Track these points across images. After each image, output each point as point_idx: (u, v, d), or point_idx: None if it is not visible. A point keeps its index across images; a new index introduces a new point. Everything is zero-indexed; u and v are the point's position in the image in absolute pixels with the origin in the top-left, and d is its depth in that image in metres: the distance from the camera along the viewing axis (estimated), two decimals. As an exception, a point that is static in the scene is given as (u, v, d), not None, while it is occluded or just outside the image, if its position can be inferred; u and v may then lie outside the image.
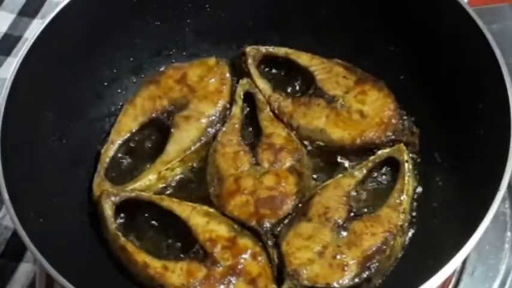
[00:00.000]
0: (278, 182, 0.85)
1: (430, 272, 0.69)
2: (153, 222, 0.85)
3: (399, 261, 0.82)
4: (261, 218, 0.83)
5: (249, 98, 0.94)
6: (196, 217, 0.82)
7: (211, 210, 0.84)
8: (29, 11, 1.20)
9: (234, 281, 0.78)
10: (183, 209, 0.83)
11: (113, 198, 0.84)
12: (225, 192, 0.86)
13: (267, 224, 0.83)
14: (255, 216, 0.83)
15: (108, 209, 0.83)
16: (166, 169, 0.88)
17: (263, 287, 0.79)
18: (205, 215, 0.83)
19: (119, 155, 0.91)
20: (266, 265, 0.80)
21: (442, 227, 0.80)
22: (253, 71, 0.95)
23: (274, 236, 0.82)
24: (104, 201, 0.84)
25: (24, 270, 0.94)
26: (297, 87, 0.96)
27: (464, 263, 0.86)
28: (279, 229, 0.83)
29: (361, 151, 0.88)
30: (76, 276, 0.69)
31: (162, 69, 0.97)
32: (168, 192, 0.88)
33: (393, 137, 0.88)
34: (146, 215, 0.85)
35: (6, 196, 0.73)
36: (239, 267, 0.79)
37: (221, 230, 0.82)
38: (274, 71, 0.98)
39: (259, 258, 0.80)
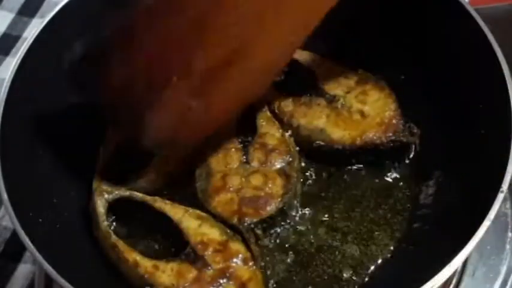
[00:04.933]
0: (265, 183, 0.85)
1: (431, 273, 0.69)
2: (146, 222, 0.85)
3: (399, 262, 0.82)
4: (243, 216, 0.83)
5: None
6: (189, 220, 0.82)
7: (204, 214, 0.84)
8: (28, 10, 1.20)
9: (224, 284, 0.78)
10: (176, 212, 0.83)
11: (106, 196, 0.84)
12: (211, 188, 0.85)
13: (248, 222, 0.82)
14: (237, 214, 0.83)
15: (100, 206, 0.84)
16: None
17: None
18: (198, 218, 0.83)
19: (118, 153, 0.91)
20: (257, 270, 0.80)
21: (442, 227, 0.80)
22: (253, 69, 0.95)
23: (256, 236, 0.82)
24: (97, 198, 0.84)
25: (24, 270, 0.94)
26: (298, 87, 0.96)
27: (465, 263, 0.86)
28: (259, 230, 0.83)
29: (360, 152, 0.88)
30: (75, 276, 0.69)
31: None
32: (168, 190, 0.88)
33: (393, 137, 0.88)
34: (139, 214, 0.85)
35: (5, 196, 0.73)
36: (230, 270, 0.79)
37: (213, 233, 0.81)
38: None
39: (250, 264, 0.80)
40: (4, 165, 0.75)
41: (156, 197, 0.86)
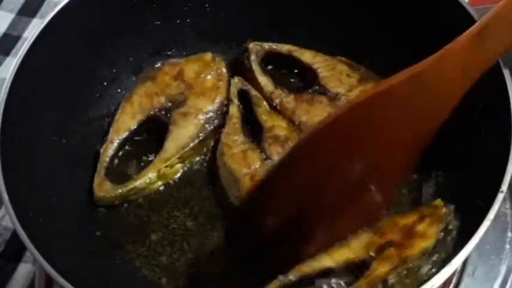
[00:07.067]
0: None
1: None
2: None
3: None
4: None
5: (245, 96, 0.94)
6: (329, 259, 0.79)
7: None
8: (29, 10, 1.20)
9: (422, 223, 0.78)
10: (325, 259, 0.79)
11: None
12: (243, 192, 0.85)
13: None
14: None
15: None
16: (166, 166, 0.88)
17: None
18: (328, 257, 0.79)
19: (119, 154, 0.91)
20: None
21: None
22: (255, 67, 0.95)
23: None
24: None
25: (24, 270, 0.94)
26: (300, 85, 0.96)
27: (464, 263, 0.85)
28: None
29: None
30: (76, 276, 0.69)
31: (157, 65, 0.97)
32: (170, 189, 0.89)
33: (393, 136, 0.88)
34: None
35: (5, 196, 0.73)
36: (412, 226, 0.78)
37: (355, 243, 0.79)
38: (276, 68, 0.98)
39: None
40: (5, 165, 0.75)
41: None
